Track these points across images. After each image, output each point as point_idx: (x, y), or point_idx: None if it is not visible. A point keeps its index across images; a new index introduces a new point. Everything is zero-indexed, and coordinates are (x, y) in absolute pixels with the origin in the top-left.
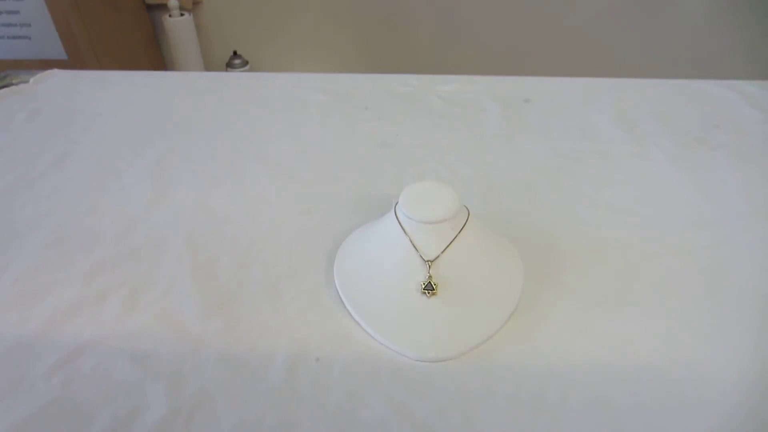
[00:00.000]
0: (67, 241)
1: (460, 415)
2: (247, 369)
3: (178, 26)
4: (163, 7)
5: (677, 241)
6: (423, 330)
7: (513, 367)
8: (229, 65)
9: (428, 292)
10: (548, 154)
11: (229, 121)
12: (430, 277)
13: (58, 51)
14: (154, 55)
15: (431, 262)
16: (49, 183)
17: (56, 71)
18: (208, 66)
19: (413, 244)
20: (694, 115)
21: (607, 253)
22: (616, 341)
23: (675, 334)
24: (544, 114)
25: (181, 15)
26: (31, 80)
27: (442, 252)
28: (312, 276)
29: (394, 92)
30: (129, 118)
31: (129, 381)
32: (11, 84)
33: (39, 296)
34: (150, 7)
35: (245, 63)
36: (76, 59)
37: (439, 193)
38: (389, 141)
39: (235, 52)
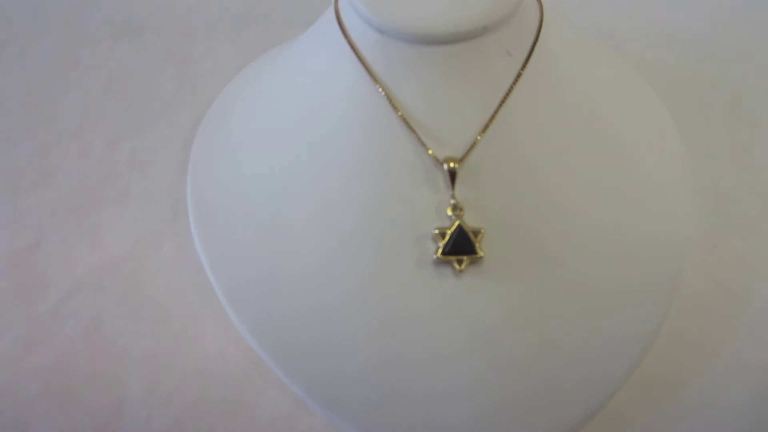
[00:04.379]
0: None
1: None
2: None
3: None
4: None
5: None
6: (453, 382)
7: None
8: None
9: (457, 261)
10: None
11: None
12: (457, 210)
13: None
14: None
15: (457, 164)
16: None
17: None
18: None
19: (401, 114)
20: None
21: None
22: None
23: None
24: None
25: None
26: None
27: (484, 132)
28: (135, 210)
29: None
30: None
31: None
32: None
33: None
34: None
35: None
36: None
37: None
38: None
39: None
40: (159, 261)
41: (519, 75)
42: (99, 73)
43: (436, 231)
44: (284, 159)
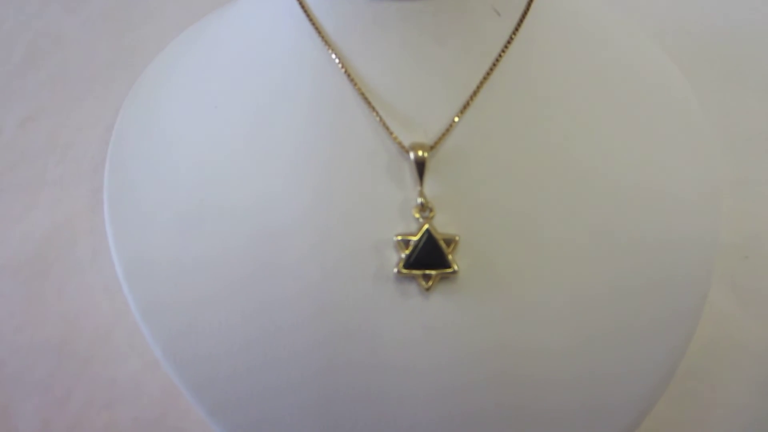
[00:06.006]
0: None
1: None
2: None
3: None
4: None
5: None
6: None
7: None
8: None
9: (423, 277)
10: None
11: None
12: (426, 211)
13: None
14: None
15: (427, 152)
16: None
17: None
18: None
19: (358, 87)
20: None
21: None
22: None
23: None
24: None
25: None
26: None
27: (463, 112)
28: (49, 200)
29: None
30: None
31: None
32: None
33: None
34: None
35: None
36: None
37: None
38: None
39: None
40: (70, 263)
41: (510, 40)
42: (22, 36)
43: (399, 237)
44: (217, 143)
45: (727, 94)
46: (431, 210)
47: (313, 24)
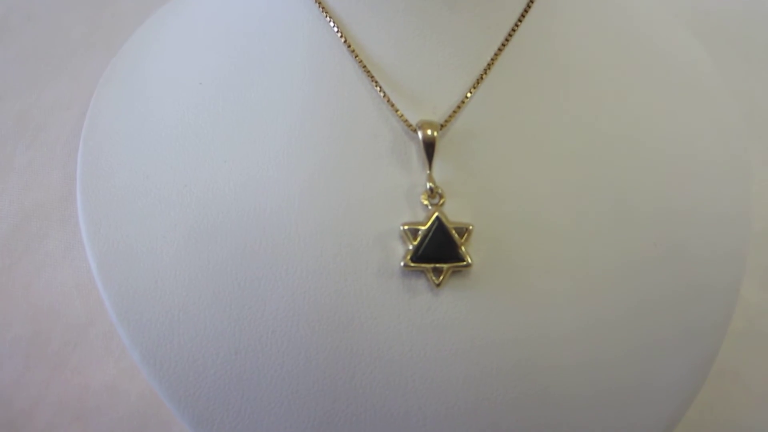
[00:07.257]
0: None
1: None
2: None
3: None
4: None
5: None
6: None
7: None
8: None
9: (433, 271)
10: None
11: None
12: (435, 197)
13: None
14: None
15: (437, 131)
16: None
17: None
18: None
19: (360, 59)
20: None
21: None
22: None
23: None
24: None
25: None
26: None
27: (477, 86)
28: (17, 188)
29: None
30: None
31: None
32: None
33: None
34: None
35: None
36: None
37: None
38: None
39: None
40: (40, 257)
41: (527, 8)
42: None
43: (405, 227)
44: (202, 123)
45: (750, 75)
46: (441, 196)
47: None
